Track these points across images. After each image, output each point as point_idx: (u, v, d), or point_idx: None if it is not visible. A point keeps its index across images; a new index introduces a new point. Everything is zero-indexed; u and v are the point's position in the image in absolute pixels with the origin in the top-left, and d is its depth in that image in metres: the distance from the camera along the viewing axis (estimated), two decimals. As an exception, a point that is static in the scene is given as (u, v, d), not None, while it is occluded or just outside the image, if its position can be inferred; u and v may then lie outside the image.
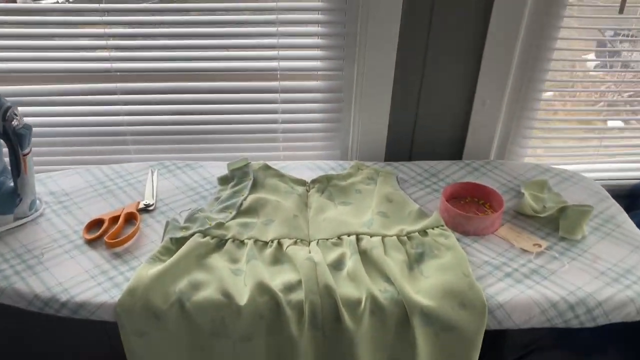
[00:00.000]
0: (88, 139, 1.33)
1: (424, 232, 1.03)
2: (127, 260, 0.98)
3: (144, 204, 1.12)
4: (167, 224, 1.04)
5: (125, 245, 1.01)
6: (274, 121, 1.32)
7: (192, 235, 1.00)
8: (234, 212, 1.07)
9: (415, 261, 0.97)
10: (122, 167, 1.26)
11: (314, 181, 1.19)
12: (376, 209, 1.09)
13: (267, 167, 1.21)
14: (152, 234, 1.05)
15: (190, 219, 1.05)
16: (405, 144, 1.36)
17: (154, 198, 1.14)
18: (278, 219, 1.06)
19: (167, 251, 0.97)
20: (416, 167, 1.27)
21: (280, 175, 1.20)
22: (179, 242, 0.99)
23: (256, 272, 0.91)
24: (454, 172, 1.26)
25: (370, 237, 1.01)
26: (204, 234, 1.01)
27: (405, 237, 1.02)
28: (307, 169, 1.26)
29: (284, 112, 1.31)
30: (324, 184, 1.18)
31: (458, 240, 1.02)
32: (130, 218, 1.09)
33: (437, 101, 1.30)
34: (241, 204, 1.10)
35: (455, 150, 1.36)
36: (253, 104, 1.31)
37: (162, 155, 1.37)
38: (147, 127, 1.32)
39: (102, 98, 1.28)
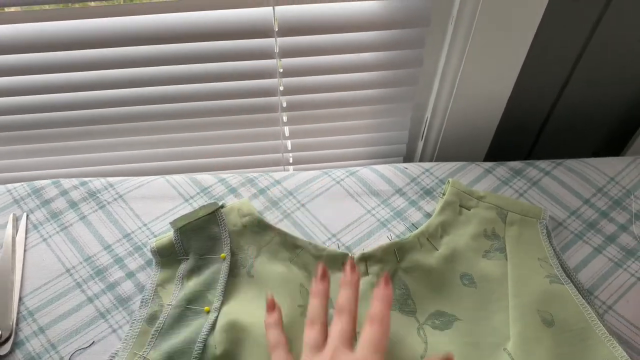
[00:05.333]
0: None
1: None
2: None
3: (-12, 339, 0.50)
4: None
5: None
6: (271, 92, 0.62)
7: None
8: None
9: None
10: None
11: (365, 258, 0.52)
12: (520, 351, 0.46)
13: (260, 224, 0.54)
14: None
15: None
16: (530, 130, 0.67)
17: (13, 315, 0.51)
18: None
19: None
20: (566, 174, 0.60)
21: (289, 244, 0.53)
22: None
23: None
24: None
25: None
26: None
27: None
28: (329, 201, 0.58)
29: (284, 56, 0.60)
30: (389, 265, 0.52)
31: None
32: (-49, 392, 0.48)
33: (618, 55, 0.59)
34: (204, 347, 0.46)
35: (614, 142, 0.69)
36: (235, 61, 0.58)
37: (47, 166, 0.69)
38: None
39: None
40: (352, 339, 0.43)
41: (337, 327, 0.43)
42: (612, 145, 0.73)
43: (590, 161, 0.61)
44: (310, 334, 0.44)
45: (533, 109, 0.67)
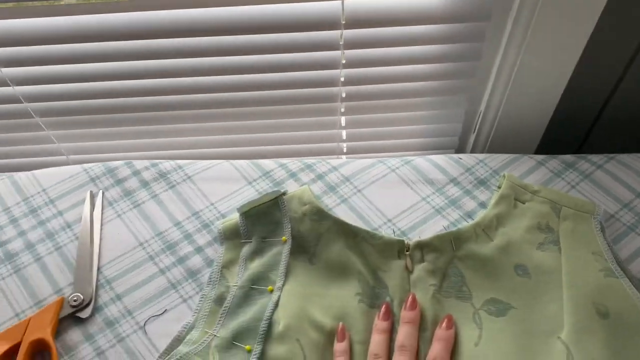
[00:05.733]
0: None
1: None
2: None
3: (71, 304, 0.54)
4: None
5: None
6: (333, 82, 0.65)
7: None
8: (255, 352, 0.48)
9: None
10: (20, 182, 0.62)
11: (421, 246, 0.54)
12: (575, 341, 0.48)
13: (319, 213, 0.56)
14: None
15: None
16: (582, 124, 0.68)
17: (93, 282, 0.56)
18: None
19: None
20: (619, 168, 0.61)
21: (348, 232, 0.55)
22: None
23: None
24: None
25: None
26: None
27: None
28: (384, 188, 0.61)
29: (349, 55, 0.62)
30: (445, 253, 0.54)
31: None
32: (40, 349, 0.52)
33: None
34: (270, 323, 0.50)
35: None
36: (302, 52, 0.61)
37: (120, 149, 0.73)
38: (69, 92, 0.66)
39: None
40: None
41: None
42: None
43: (643, 156, 0.62)
44: None
45: (586, 103, 0.67)
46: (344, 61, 0.62)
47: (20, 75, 0.63)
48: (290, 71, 0.62)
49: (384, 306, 0.51)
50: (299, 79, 0.64)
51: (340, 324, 0.50)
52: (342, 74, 0.63)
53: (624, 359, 0.47)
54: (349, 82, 0.64)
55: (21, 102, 0.65)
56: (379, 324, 0.50)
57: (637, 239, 0.56)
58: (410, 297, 0.51)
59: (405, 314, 0.50)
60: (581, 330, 0.48)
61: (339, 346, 0.49)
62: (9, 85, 0.63)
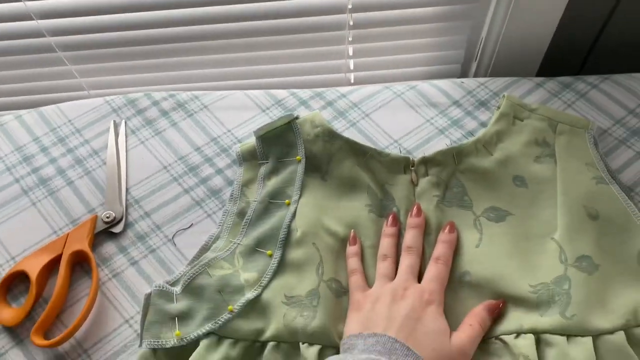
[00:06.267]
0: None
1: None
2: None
3: (104, 220, 0.59)
4: (147, 299, 0.51)
5: (72, 339, 0.51)
6: (341, 9, 0.67)
7: (195, 341, 0.49)
8: (276, 256, 0.54)
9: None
10: (46, 114, 0.66)
11: (425, 161, 0.58)
12: (567, 239, 0.52)
13: (330, 134, 0.59)
14: (122, 299, 0.53)
15: (191, 284, 0.51)
16: (581, 49, 0.71)
17: (123, 201, 0.60)
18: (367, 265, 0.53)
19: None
20: (613, 87, 0.64)
21: (357, 150, 0.59)
22: (172, 354, 0.49)
23: None
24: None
25: (568, 338, 0.48)
26: (221, 334, 0.49)
27: (644, 333, 0.48)
28: (391, 111, 0.64)
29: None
30: (448, 167, 0.58)
31: None
32: (79, 260, 0.57)
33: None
34: (288, 231, 0.55)
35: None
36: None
37: (138, 83, 0.76)
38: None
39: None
40: (418, 272, 0.51)
41: (406, 261, 0.51)
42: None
43: (637, 75, 0.65)
44: (382, 266, 0.52)
45: (584, 26, 0.70)
46: (351, -11, 0.64)
47: (43, 8, 0.66)
48: None
49: (391, 215, 0.55)
50: (308, 6, 0.66)
51: (352, 230, 0.55)
52: (349, 1, 0.66)
53: (610, 255, 0.52)
54: (356, 9, 0.67)
55: (44, 36, 0.68)
56: (387, 229, 0.54)
57: (628, 151, 0.60)
58: (415, 205, 0.55)
59: (411, 220, 0.54)
60: (573, 231, 0.52)
61: (351, 249, 0.53)
62: (33, 19, 0.66)
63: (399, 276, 0.50)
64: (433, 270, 0.50)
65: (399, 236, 0.54)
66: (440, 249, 0.52)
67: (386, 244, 0.53)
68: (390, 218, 0.55)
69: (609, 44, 0.71)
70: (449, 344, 0.45)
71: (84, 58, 0.73)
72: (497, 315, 0.49)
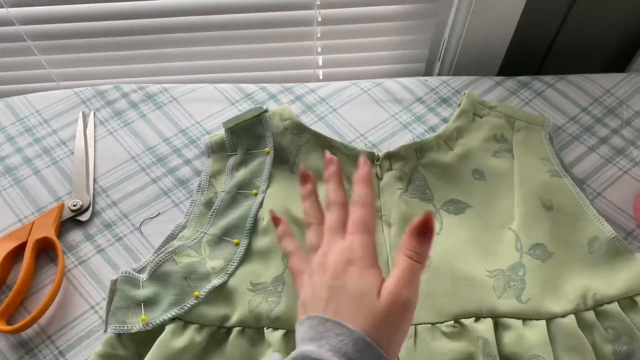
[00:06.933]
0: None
1: (631, 300, 0.51)
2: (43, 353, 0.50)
3: (71, 208, 0.59)
4: (113, 285, 0.51)
5: (36, 325, 0.51)
6: (309, 5, 0.69)
7: (161, 326, 0.49)
8: (242, 245, 0.55)
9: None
10: (13, 105, 0.66)
11: (389, 156, 0.60)
12: (523, 229, 0.55)
13: (299, 127, 0.61)
14: (88, 286, 0.53)
15: (157, 270, 0.51)
16: (541, 44, 0.74)
17: (90, 190, 0.60)
18: None
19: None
20: (567, 86, 0.68)
21: (324, 143, 0.60)
22: (137, 339, 0.50)
23: None
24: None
25: (524, 321, 0.50)
26: (187, 320, 0.50)
27: (593, 313, 0.51)
28: (357, 107, 0.66)
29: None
30: (410, 161, 0.60)
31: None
32: (45, 248, 0.57)
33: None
34: (255, 220, 0.56)
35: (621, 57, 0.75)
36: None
37: (108, 75, 0.77)
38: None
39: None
40: (344, 226, 0.42)
41: (326, 223, 0.43)
42: (616, 65, 0.79)
43: (589, 76, 0.69)
44: (308, 236, 0.45)
45: (542, 27, 0.73)
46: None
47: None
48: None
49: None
50: (277, 1, 0.68)
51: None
52: (318, -2, 0.68)
53: (563, 243, 0.54)
54: (325, 5, 0.68)
55: (14, 24, 0.68)
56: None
57: (581, 147, 0.63)
58: (361, 157, 0.45)
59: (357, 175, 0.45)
60: (529, 220, 0.55)
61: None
62: (3, 7, 0.66)
63: (323, 244, 0.42)
64: (353, 218, 0.41)
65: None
66: (357, 190, 0.43)
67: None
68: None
69: (565, 46, 0.75)
70: (377, 302, 0.37)
71: (54, 48, 0.73)
72: (430, 235, 0.38)
